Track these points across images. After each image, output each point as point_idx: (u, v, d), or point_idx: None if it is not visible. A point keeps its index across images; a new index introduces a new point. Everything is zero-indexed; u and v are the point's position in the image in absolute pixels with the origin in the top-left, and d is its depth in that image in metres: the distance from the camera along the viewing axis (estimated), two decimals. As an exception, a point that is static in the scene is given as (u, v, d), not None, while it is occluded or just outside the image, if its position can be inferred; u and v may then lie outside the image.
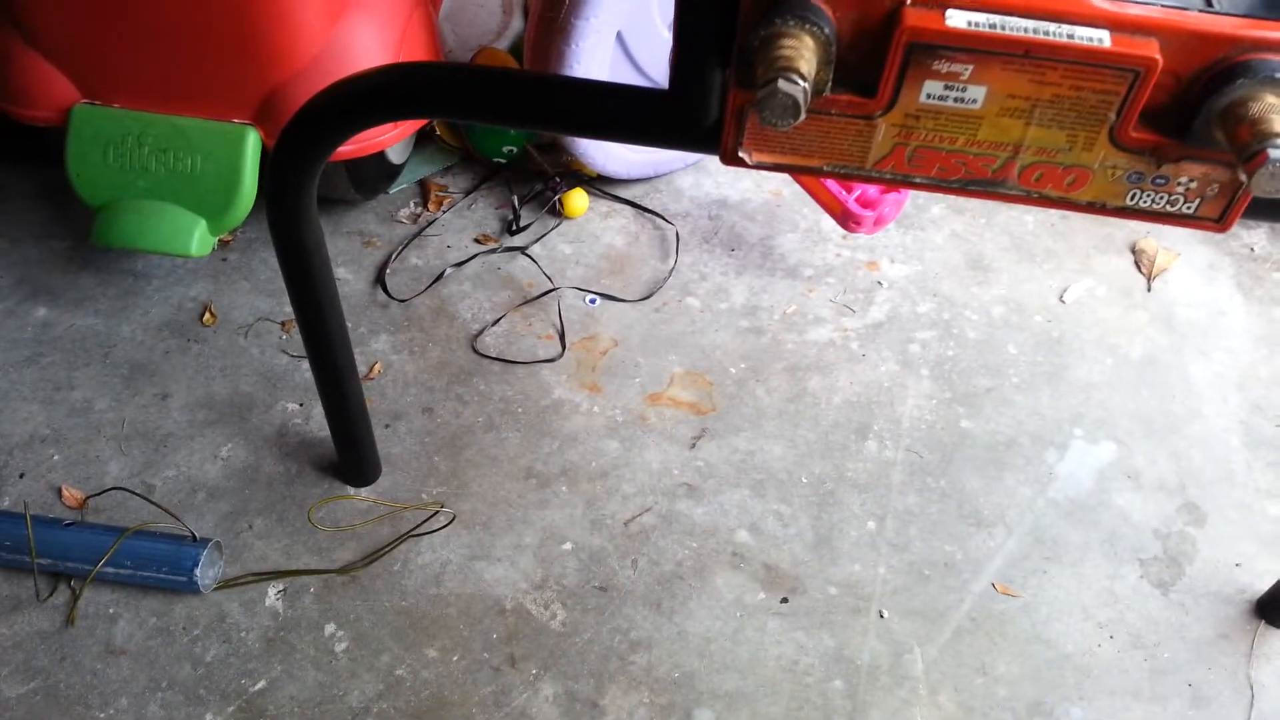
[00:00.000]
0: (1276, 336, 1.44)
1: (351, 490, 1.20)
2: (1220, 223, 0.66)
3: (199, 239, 1.28)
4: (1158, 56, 0.57)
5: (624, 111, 0.76)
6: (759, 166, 0.67)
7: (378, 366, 1.34)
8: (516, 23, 1.66)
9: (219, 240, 1.45)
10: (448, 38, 1.63)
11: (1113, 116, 0.61)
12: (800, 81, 0.56)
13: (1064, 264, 1.52)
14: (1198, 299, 1.49)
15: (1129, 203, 0.66)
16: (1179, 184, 0.64)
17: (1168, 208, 0.66)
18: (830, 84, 0.62)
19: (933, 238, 1.55)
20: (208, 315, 1.39)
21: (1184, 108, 0.60)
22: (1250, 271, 1.53)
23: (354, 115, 0.84)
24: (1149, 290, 1.50)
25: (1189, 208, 0.66)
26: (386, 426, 1.27)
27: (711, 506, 1.21)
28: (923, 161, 0.65)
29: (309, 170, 0.87)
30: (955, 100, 0.61)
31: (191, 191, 1.27)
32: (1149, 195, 0.66)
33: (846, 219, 1.37)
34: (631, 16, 1.38)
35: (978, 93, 0.61)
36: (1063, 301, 1.47)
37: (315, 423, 1.27)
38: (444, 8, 1.61)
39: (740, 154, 0.67)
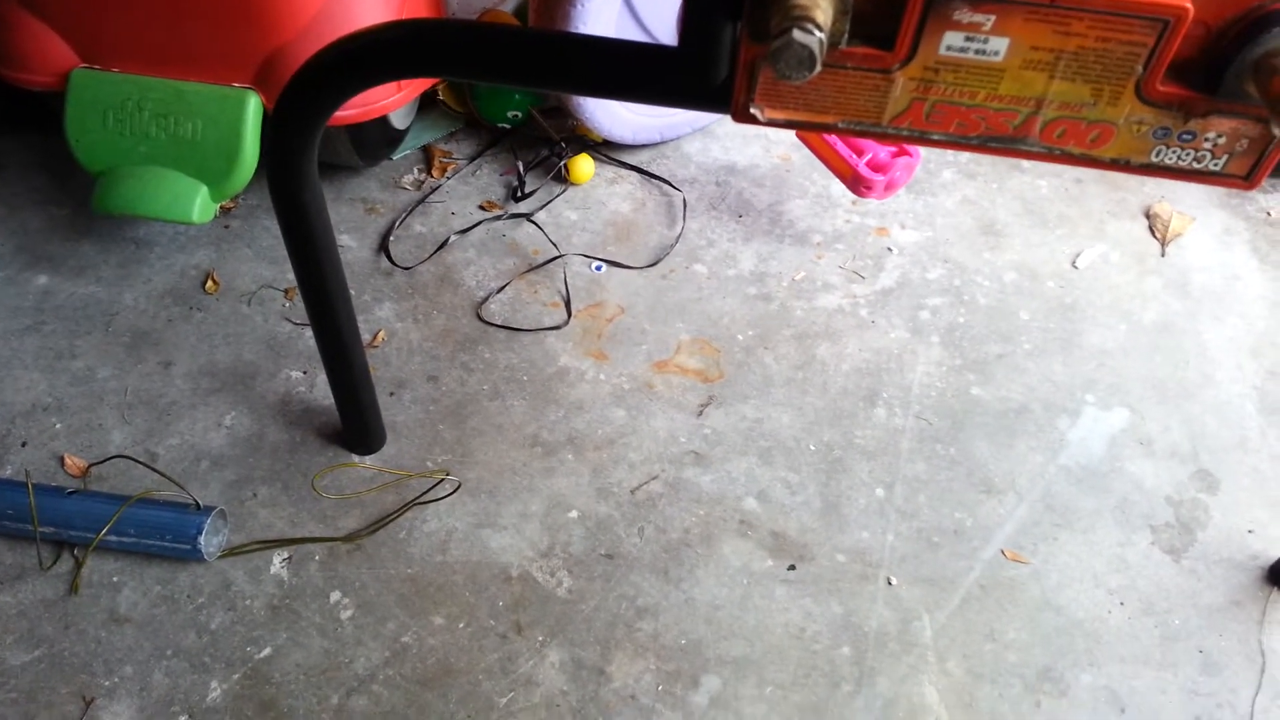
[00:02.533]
0: (1292, 302, 1.42)
1: (356, 458, 1.19)
2: (1248, 180, 0.64)
3: (200, 205, 1.26)
4: (1188, 5, 0.55)
5: (634, 70, 0.74)
6: (771, 123, 0.66)
7: (381, 334, 1.33)
8: (520, -16, 1.63)
9: (221, 207, 1.43)
10: (451, 1, 1.61)
11: (1140, 69, 0.59)
12: (816, 31, 0.54)
13: (1077, 229, 1.50)
14: (1213, 264, 1.46)
15: (1154, 159, 0.64)
16: (1206, 139, 0.62)
17: (1194, 164, 0.64)
18: (846, 36, 0.60)
19: (944, 203, 1.53)
20: (210, 283, 1.37)
21: (1214, 60, 0.58)
22: (1267, 236, 1.51)
23: (356, 74, 0.81)
24: (1163, 255, 1.48)
25: (1216, 164, 0.64)
26: (391, 395, 1.26)
27: (719, 474, 1.20)
28: (941, 117, 0.63)
29: (310, 131, 0.85)
30: (976, 52, 0.59)
31: (192, 157, 1.26)
32: (1174, 151, 0.64)
33: (857, 184, 1.35)
34: (638, -24, 1.35)
35: (1000, 44, 0.59)
36: (1076, 267, 1.45)
37: (319, 391, 1.26)
38: (446, -31, 1.58)
39: (752, 110, 0.65)
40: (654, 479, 1.19)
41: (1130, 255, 1.47)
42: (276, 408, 1.24)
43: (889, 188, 1.37)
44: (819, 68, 0.55)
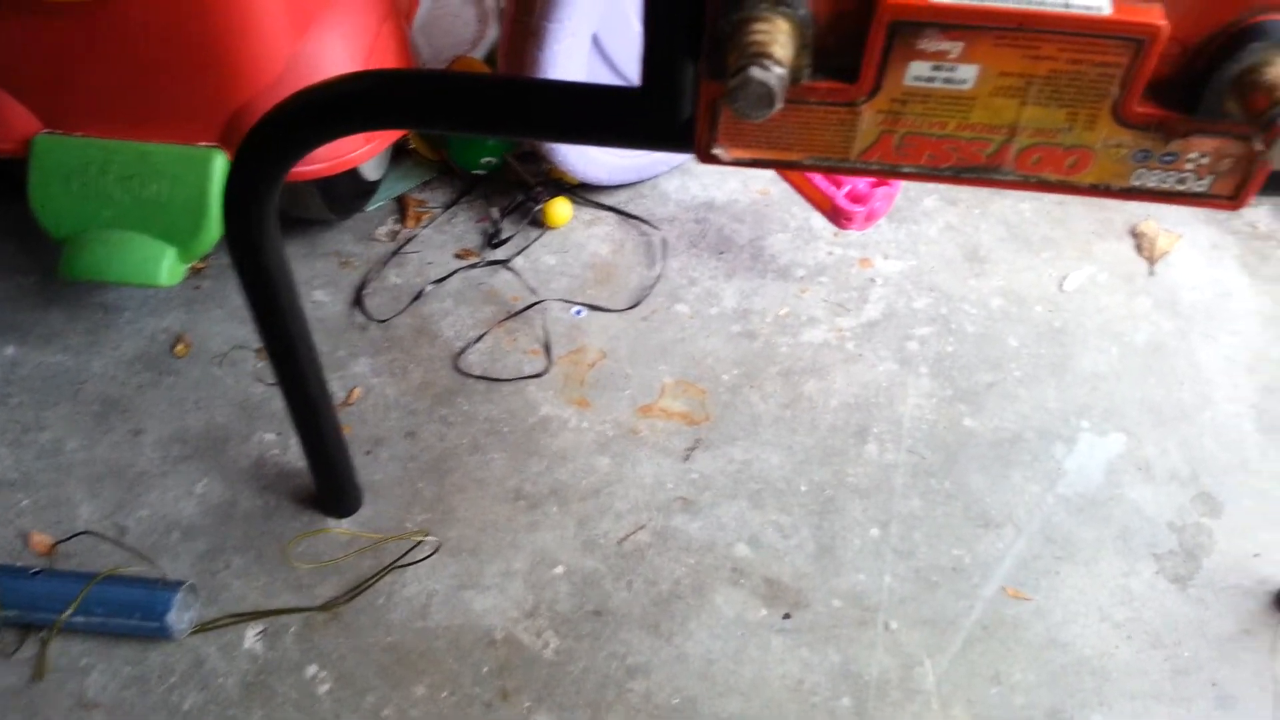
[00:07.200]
0: (1284, 317, 1.40)
1: (332, 522, 1.15)
2: (1234, 200, 0.61)
3: (168, 268, 1.23)
4: (1163, 23, 0.53)
5: (596, 112, 0.72)
6: (736, 163, 0.63)
7: (357, 391, 1.29)
8: (492, 31, 1.62)
9: (191, 268, 1.40)
10: (422, 49, 1.59)
11: (1115, 91, 0.57)
12: (775, 68, 0.52)
13: (1063, 251, 1.48)
14: (1202, 280, 1.44)
15: (1135, 183, 0.62)
16: (1189, 160, 0.60)
17: (1177, 186, 0.61)
18: (808, 70, 0.57)
19: (926, 230, 1.51)
20: (181, 345, 1.34)
21: (1192, 78, 0.56)
22: (1255, 250, 1.49)
23: (313, 127, 0.79)
24: (1151, 274, 1.45)
25: (1200, 185, 0.61)
26: (368, 453, 1.22)
27: (708, 520, 1.16)
28: (911, 149, 0.61)
29: (269, 185, 0.83)
30: (944, 81, 0.57)
31: (159, 219, 1.23)
32: (1156, 174, 0.61)
33: (837, 215, 1.33)
34: (606, 17, 1.34)
35: (968, 72, 0.56)
36: (1063, 290, 1.43)
37: (294, 453, 1.22)
38: (418, 18, 1.57)
39: (715, 151, 0.62)
40: (641, 528, 1.16)
41: (1118, 275, 1.45)
42: (249, 472, 1.20)
43: (869, 218, 1.35)
44: (779, 105, 0.52)
